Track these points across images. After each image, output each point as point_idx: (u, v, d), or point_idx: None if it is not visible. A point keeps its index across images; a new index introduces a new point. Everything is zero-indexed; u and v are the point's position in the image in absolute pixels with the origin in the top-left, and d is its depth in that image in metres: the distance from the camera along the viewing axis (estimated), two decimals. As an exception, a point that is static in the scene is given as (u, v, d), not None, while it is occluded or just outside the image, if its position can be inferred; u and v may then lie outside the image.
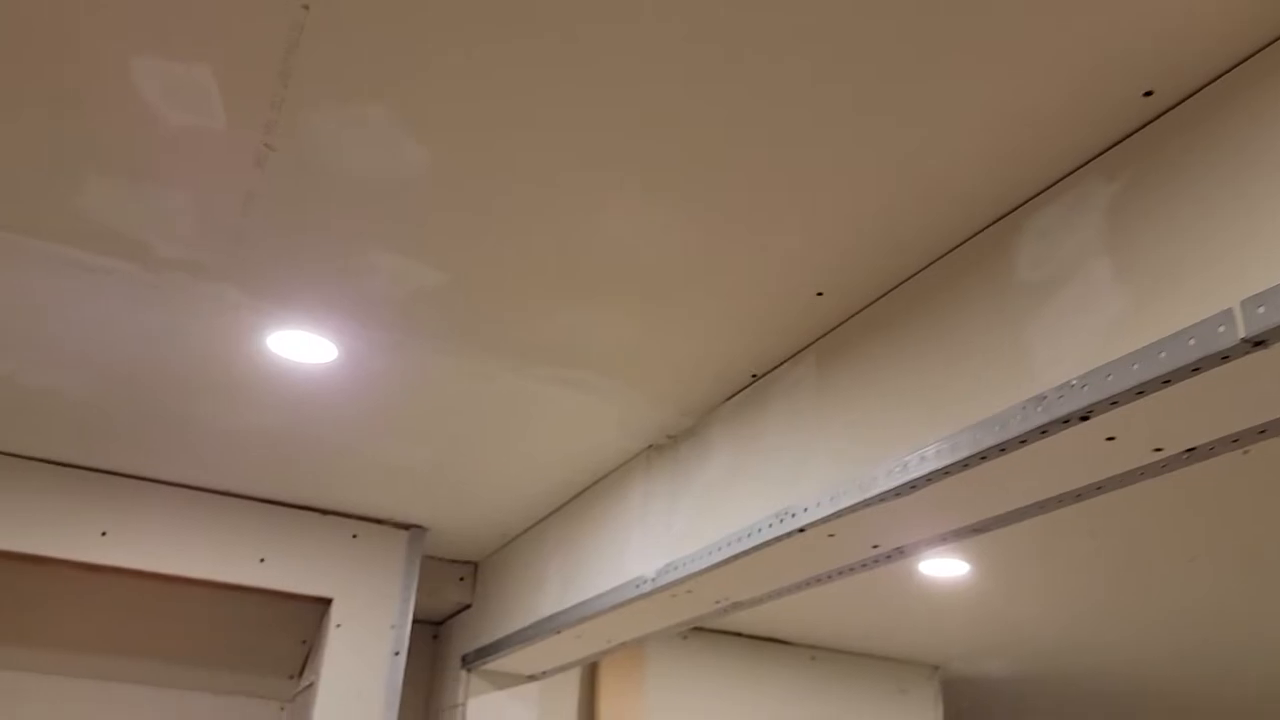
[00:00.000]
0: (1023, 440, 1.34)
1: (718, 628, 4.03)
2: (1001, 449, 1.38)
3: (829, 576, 2.04)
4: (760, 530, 1.90)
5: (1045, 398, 1.30)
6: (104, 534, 2.76)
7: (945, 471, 1.47)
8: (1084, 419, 1.27)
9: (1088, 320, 1.29)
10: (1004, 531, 2.57)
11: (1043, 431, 1.31)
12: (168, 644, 3.09)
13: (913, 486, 1.54)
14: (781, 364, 1.97)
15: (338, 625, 3.01)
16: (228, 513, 2.92)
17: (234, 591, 3.00)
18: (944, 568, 3.03)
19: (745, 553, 1.96)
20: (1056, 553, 2.88)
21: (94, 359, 2.16)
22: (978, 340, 1.48)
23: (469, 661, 3.42)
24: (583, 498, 2.83)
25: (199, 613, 3.09)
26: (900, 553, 1.85)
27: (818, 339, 1.87)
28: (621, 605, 2.48)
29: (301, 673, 3.25)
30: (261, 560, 2.94)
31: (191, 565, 2.84)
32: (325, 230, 1.66)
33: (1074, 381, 1.27)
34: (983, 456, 1.41)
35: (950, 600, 3.42)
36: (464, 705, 3.39)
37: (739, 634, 4.08)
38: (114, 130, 1.46)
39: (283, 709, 3.26)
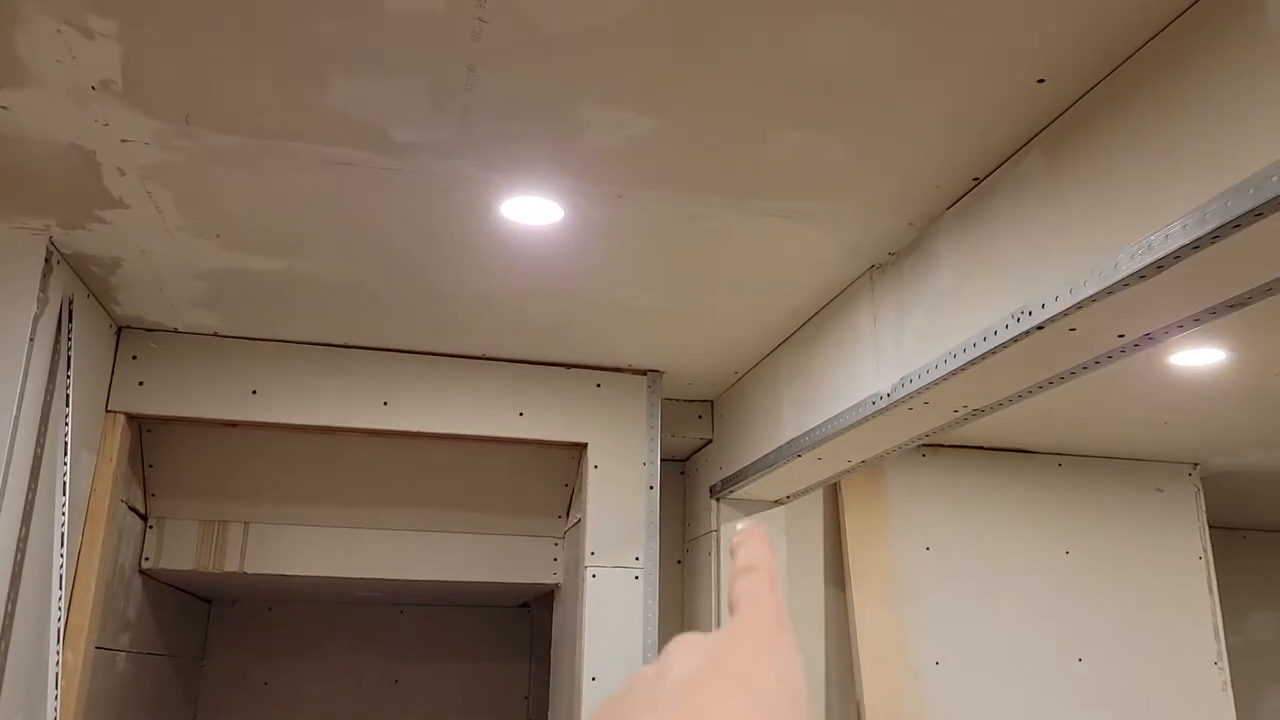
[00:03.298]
0: (1283, 200, 1.26)
1: (957, 443, 4.04)
2: (1258, 214, 1.30)
3: (1072, 373, 2.01)
4: (996, 333, 1.89)
5: (1308, 150, 1.21)
6: (385, 403, 3.11)
7: (1194, 246, 1.41)
8: (1355, 167, 1.18)
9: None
10: (1263, 310, 2.41)
11: (1306, 187, 1.23)
12: (451, 497, 3.48)
13: (1159, 267, 1.49)
14: (1004, 162, 1.91)
15: (595, 466, 3.27)
16: (487, 375, 3.21)
17: (501, 445, 3.31)
18: (1198, 357, 2.88)
19: (982, 357, 1.96)
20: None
21: (355, 247, 2.40)
22: (1222, 102, 1.38)
23: (716, 491, 3.64)
24: (809, 327, 2.89)
25: (475, 468, 3.44)
26: (1149, 339, 1.80)
27: (1042, 129, 1.79)
28: (858, 424, 2.56)
29: (568, 512, 3.57)
30: (520, 414, 3.22)
31: (462, 423, 3.16)
32: (540, 92, 1.75)
33: (1342, 128, 1.18)
34: (1236, 225, 1.33)
35: (1207, 391, 3.25)
36: (716, 531, 3.63)
37: (980, 447, 4.08)
38: (348, 26, 1.60)
39: (557, 544, 3.61)
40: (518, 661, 4.68)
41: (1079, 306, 1.66)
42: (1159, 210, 1.47)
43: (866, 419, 2.50)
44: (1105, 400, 3.41)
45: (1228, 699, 3.89)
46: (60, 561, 2.30)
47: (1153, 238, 1.48)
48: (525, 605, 4.72)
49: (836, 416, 2.64)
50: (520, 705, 4.65)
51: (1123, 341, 1.82)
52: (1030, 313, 1.77)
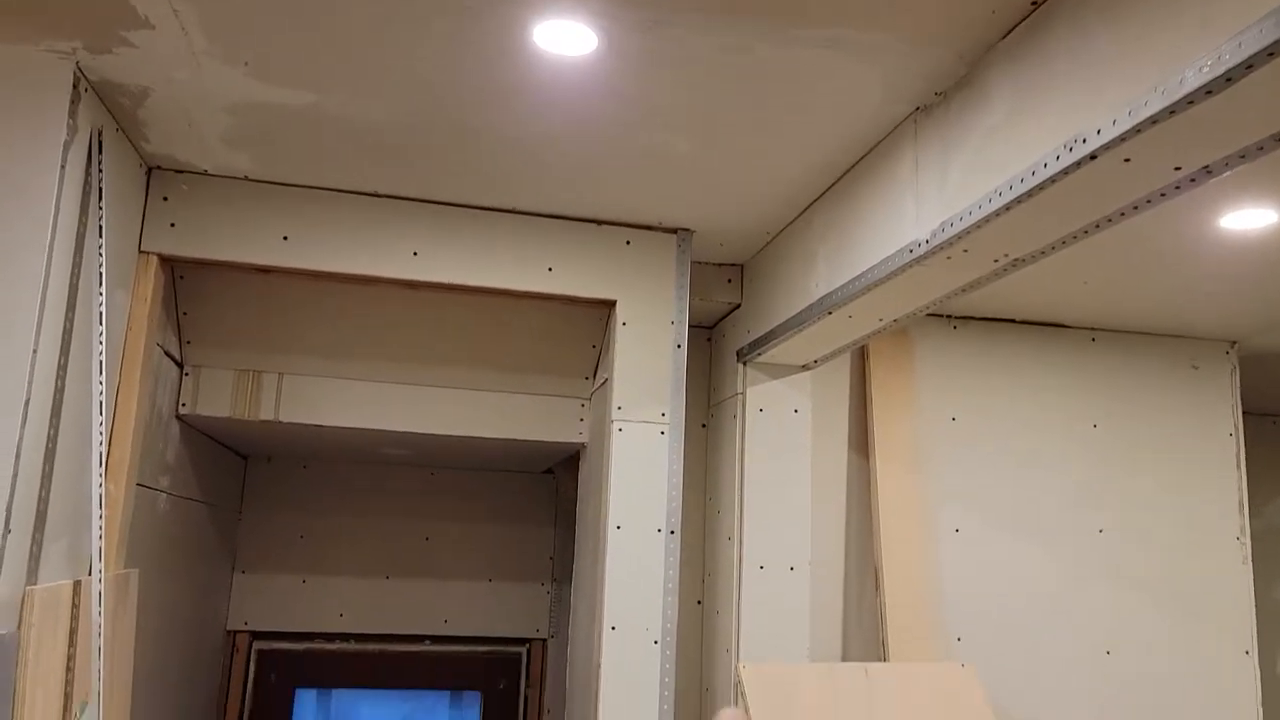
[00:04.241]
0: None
1: (989, 315, 4.00)
2: (1343, 10, 1.22)
3: (1121, 214, 1.95)
4: (1046, 165, 1.83)
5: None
6: (415, 254, 3.09)
7: (1269, 53, 1.33)
8: None
9: None
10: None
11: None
12: (481, 356, 3.49)
13: (1228, 79, 1.41)
14: (1067, -19, 1.81)
15: (623, 324, 3.27)
16: (517, 229, 3.18)
17: (529, 303, 3.30)
18: (1250, 219, 2.80)
19: (1029, 194, 1.90)
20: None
21: (383, 79, 2.34)
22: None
23: (743, 355, 3.63)
24: (847, 179, 2.82)
25: (504, 328, 3.44)
26: (1206, 173, 1.73)
27: (1111, -59, 1.69)
28: (894, 275, 2.51)
29: (595, 374, 3.58)
30: (550, 270, 3.20)
31: (491, 276, 3.15)
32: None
33: None
34: (1320, 23, 1.26)
35: (1254, 262, 3.17)
36: (743, 394, 3.64)
37: (1012, 320, 4.03)
38: None
39: (583, 405, 3.64)
40: (543, 525, 4.79)
41: (1137, 130, 1.59)
42: (1237, 15, 1.39)
43: (903, 269, 2.45)
44: (1148, 269, 3.33)
45: (1247, 572, 3.93)
46: (100, 390, 2.34)
47: (1224, 47, 1.40)
48: (550, 471, 4.80)
49: (871, 269, 2.60)
50: (545, 565, 4.78)
51: (1178, 175, 1.75)
52: (1084, 140, 1.70)
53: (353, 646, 4.53)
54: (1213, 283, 3.41)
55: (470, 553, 4.70)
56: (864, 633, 3.76)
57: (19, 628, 2.02)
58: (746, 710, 3.25)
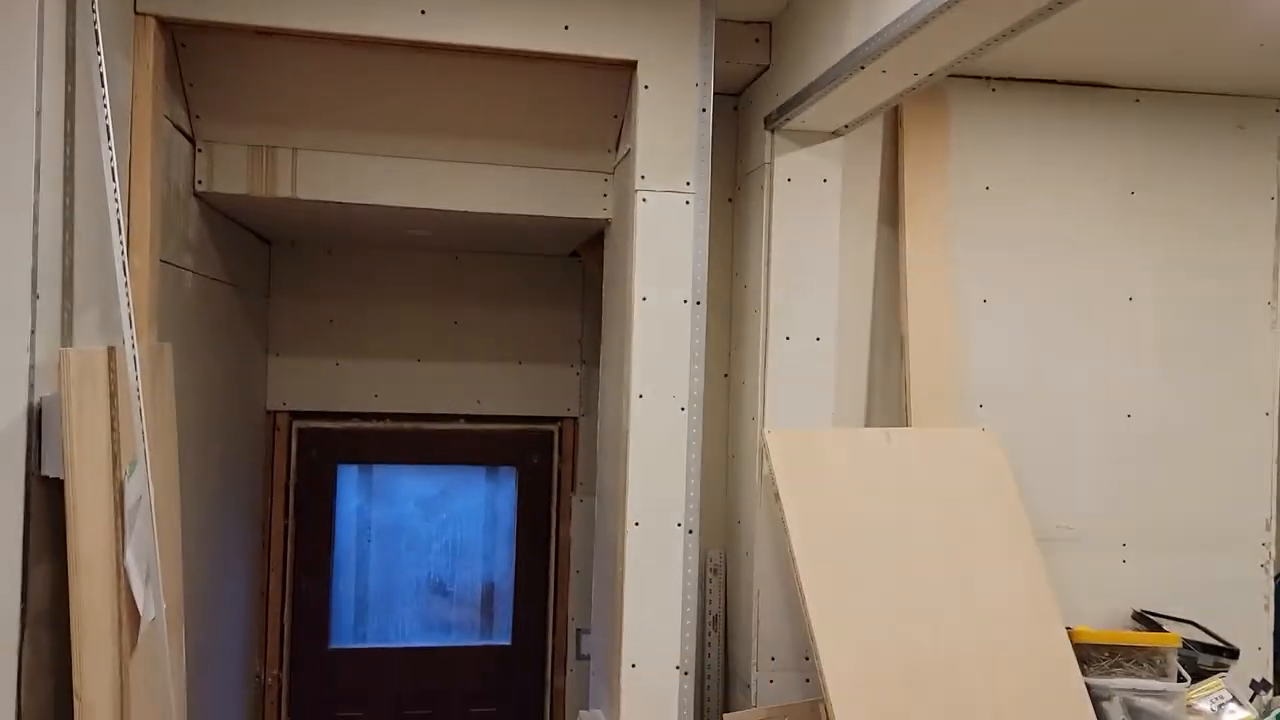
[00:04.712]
0: None
1: (1030, 75, 3.80)
2: None
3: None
4: None
5: None
6: (423, 12, 2.93)
7: None
8: None
9: None
10: None
11: None
12: (500, 128, 3.37)
13: None
14: None
15: (645, 87, 3.13)
16: (527, -17, 2.99)
17: (549, 66, 3.14)
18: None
19: (1086, -95, 1.74)
20: None
21: None
22: None
23: (771, 121, 3.49)
24: (884, -86, 2.60)
25: (522, 93, 3.29)
26: None
27: None
28: (932, 17, 2.35)
29: (618, 146, 3.47)
30: (566, 27, 3.03)
31: (504, 36, 2.99)
32: None
33: None
34: None
35: (1322, 2, 2.95)
36: (770, 164, 3.53)
37: (1053, 81, 3.83)
38: None
39: (606, 180, 3.55)
40: (570, 309, 4.82)
41: None
42: None
43: (942, 9, 2.29)
44: (1199, 18, 3.11)
45: (1274, 337, 3.90)
46: (110, 156, 2.28)
47: None
48: (576, 255, 4.77)
49: (909, 10, 2.43)
50: (574, 348, 4.84)
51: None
52: None
53: (390, 425, 4.68)
54: (1260, 40, 3.19)
55: (499, 336, 4.76)
56: (888, 402, 3.82)
57: (59, 389, 2.07)
58: (772, 474, 3.35)
